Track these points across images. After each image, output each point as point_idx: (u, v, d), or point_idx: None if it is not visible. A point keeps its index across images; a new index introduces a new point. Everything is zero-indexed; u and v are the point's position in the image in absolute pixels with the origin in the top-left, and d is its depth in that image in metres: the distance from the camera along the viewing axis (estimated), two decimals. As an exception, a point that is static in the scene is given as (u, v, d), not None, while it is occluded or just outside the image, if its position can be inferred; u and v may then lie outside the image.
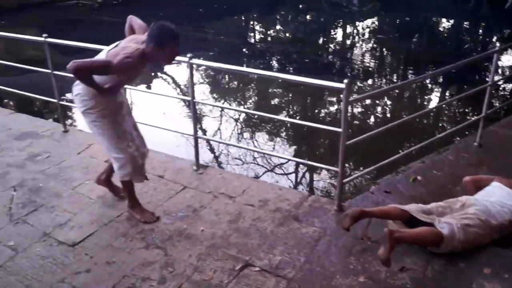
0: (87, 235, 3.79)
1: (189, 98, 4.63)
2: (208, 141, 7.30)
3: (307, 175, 6.83)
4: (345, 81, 3.60)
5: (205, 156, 6.70)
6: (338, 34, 16.60)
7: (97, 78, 3.41)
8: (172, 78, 11.11)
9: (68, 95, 8.97)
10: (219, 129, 8.11)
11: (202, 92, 10.00)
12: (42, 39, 5.36)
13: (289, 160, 6.89)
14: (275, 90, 10.16)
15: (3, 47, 13.09)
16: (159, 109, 8.15)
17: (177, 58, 4.65)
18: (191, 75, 4.44)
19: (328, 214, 3.96)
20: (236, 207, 4.07)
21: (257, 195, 4.26)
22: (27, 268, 3.46)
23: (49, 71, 5.56)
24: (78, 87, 3.58)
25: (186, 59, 4.37)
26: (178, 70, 11.32)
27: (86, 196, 4.38)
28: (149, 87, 10.35)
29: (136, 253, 3.58)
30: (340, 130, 3.74)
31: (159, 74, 11.31)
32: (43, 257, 3.60)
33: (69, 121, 5.88)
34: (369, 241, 3.54)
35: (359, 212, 3.41)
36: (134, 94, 9.35)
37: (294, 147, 7.67)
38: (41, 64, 6.18)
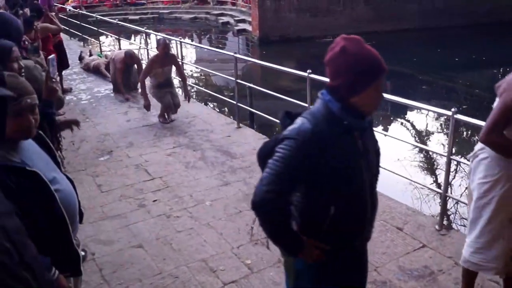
0: (318, 273, 3.79)
1: (445, 154, 4.36)
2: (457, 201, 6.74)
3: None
4: None
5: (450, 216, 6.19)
6: None
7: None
8: (411, 124, 10.76)
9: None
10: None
11: (439, 142, 9.43)
12: (306, 74, 5.64)
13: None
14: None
15: (260, 74, 14.34)
16: (394, 154, 7.92)
17: (438, 110, 4.45)
18: (453, 130, 4.16)
19: None
20: (479, 280, 3.63)
21: (509, 275, 3.74)
22: (259, 290, 3.58)
23: (306, 104, 5.82)
24: (486, 150, 2.94)
25: (448, 112, 4.13)
26: (419, 117, 10.94)
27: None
28: (386, 130, 10.19)
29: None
30: None
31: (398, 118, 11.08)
32: (275, 282, 3.71)
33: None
34: None
35: None
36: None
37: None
38: (291, 94, 6.64)
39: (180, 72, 7.75)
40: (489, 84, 14.82)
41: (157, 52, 7.31)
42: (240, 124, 7.33)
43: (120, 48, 12.87)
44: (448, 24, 18.54)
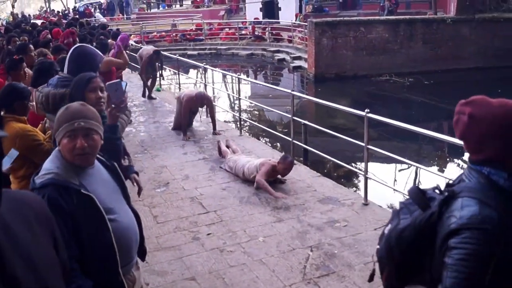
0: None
1: None
2: None
3: None
4: None
5: None
6: None
7: None
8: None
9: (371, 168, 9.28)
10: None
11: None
12: (363, 113, 5.62)
13: None
14: None
15: (314, 110, 14.38)
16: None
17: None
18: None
19: None
20: None
21: None
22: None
23: (363, 144, 5.78)
24: None
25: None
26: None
27: (377, 275, 4.30)
28: (442, 171, 9.95)
29: None
30: None
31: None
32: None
33: (370, 195, 5.95)
34: None
35: None
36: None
37: None
38: (345, 132, 6.64)
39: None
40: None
41: (278, 164, 6.31)
42: (295, 161, 7.34)
43: (179, 83, 13.24)
44: (509, 64, 18.06)
